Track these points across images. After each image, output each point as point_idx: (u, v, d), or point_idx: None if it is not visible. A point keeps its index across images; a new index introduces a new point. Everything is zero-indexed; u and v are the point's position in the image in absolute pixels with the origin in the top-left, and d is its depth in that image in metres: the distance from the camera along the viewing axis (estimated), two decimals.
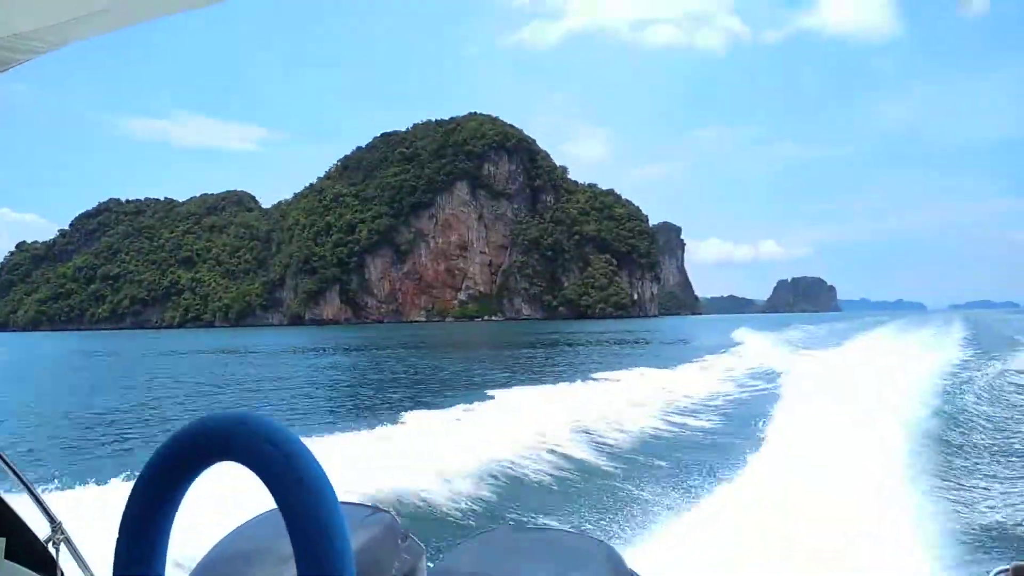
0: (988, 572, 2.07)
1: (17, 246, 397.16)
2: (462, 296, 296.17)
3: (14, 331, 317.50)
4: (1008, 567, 2.04)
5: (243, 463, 1.02)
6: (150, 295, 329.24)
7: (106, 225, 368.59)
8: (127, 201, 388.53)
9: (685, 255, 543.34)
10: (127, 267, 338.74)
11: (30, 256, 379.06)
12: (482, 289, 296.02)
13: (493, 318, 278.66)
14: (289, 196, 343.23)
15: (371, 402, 25.35)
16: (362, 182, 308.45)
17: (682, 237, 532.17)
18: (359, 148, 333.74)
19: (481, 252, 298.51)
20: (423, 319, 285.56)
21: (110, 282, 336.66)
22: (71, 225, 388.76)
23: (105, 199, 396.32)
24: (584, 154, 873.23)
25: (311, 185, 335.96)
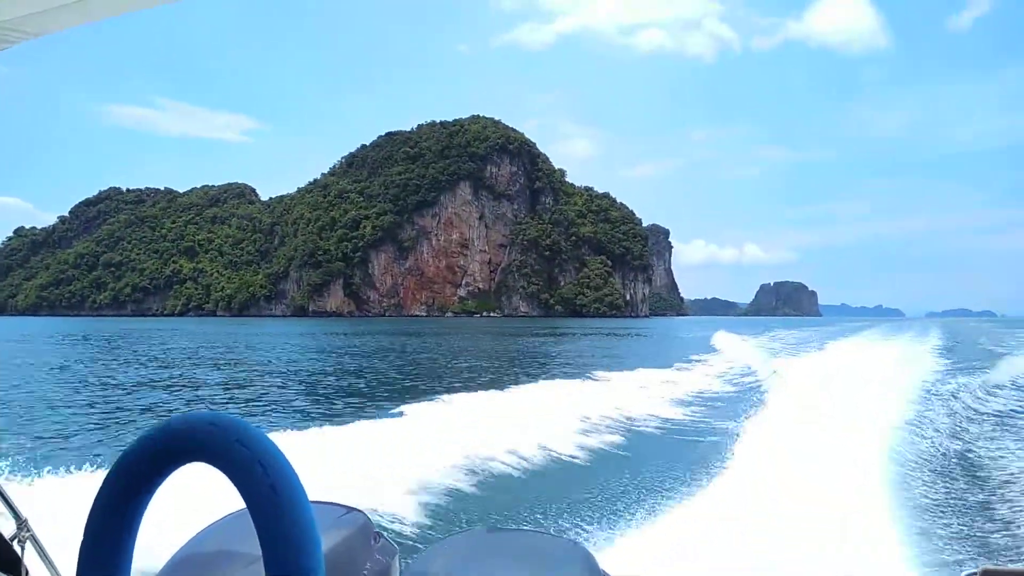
0: (959, 574, 2.26)
1: (15, 231, 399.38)
2: (462, 292, 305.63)
3: (12, 316, 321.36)
4: (976, 570, 2.08)
5: (213, 464, 1.02)
6: (152, 284, 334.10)
7: (106, 213, 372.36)
8: (128, 190, 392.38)
9: (671, 257, 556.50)
10: (129, 255, 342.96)
11: (29, 241, 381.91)
12: (481, 286, 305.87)
13: (492, 314, 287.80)
14: (281, 189, 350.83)
15: (350, 399, 24.75)
16: (366, 179, 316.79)
17: (669, 240, 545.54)
18: (363, 146, 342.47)
19: (481, 250, 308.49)
20: (423, 314, 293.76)
21: (112, 269, 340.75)
22: (71, 212, 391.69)
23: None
24: (572, 154, 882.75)
25: (315, 180, 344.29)
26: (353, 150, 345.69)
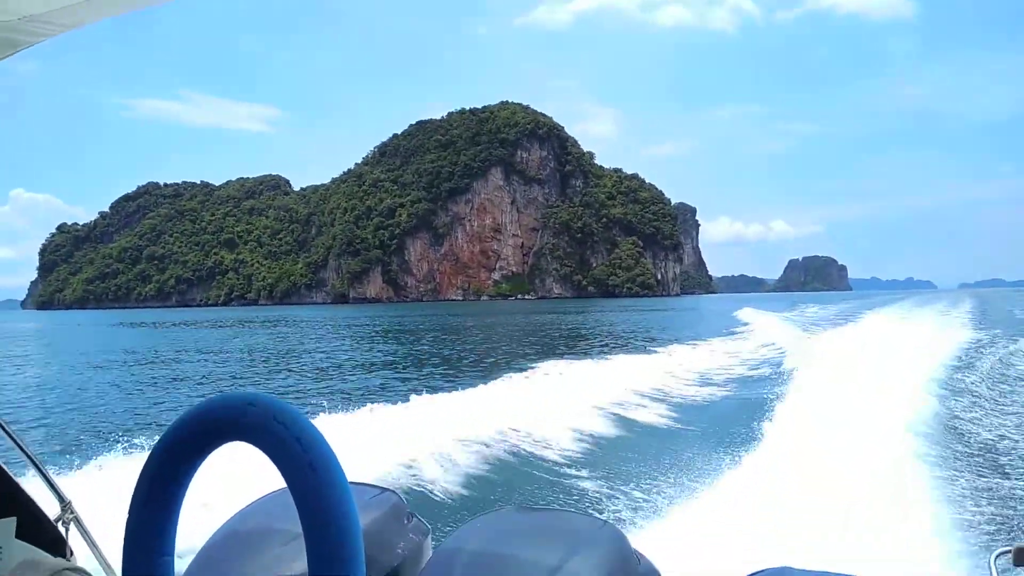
0: (991, 552, 2.10)
1: (58, 228, 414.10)
2: (496, 276, 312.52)
3: (59, 309, 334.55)
4: (1010, 548, 2.08)
5: (253, 443, 1.05)
6: (195, 275, 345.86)
7: (145, 208, 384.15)
8: (165, 184, 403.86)
9: (699, 235, 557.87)
10: (171, 248, 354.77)
11: (72, 237, 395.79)
12: (515, 269, 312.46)
13: (526, 297, 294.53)
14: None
15: (384, 380, 25.09)
16: (399, 168, 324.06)
17: (696, 218, 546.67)
18: (395, 135, 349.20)
19: (514, 235, 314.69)
20: (460, 298, 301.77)
21: (155, 262, 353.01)
22: (111, 208, 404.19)
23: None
24: (594, 134, 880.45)
25: (349, 171, 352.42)
26: (384, 139, 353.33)
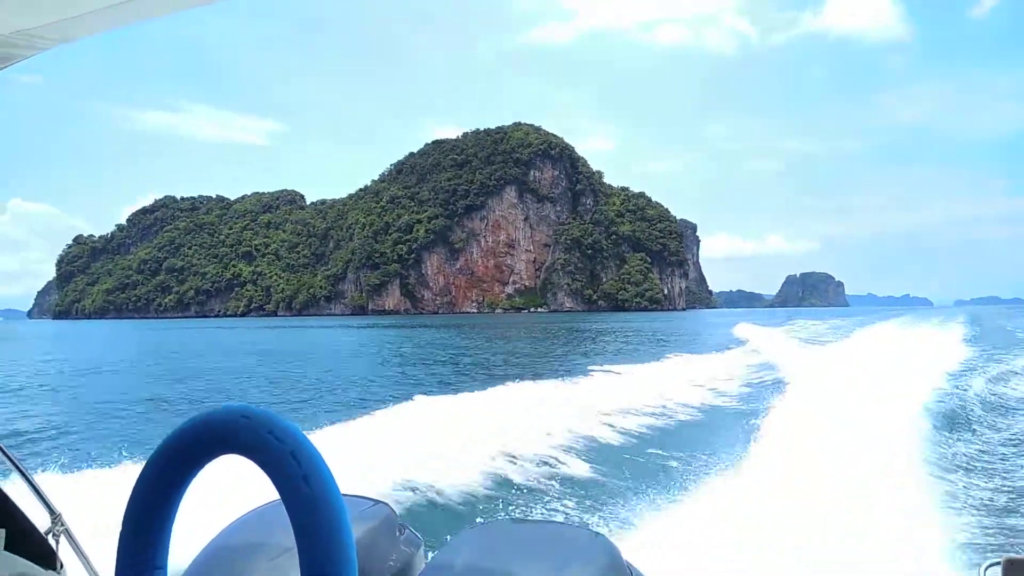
0: (981, 564, 2.10)
1: (75, 239, 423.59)
2: (509, 290, 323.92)
3: (78, 319, 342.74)
4: (1000, 560, 2.08)
5: (247, 456, 1.05)
6: (213, 287, 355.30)
7: (163, 221, 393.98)
8: (182, 198, 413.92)
9: (699, 251, 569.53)
10: (190, 260, 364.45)
11: (89, 248, 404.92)
12: (528, 284, 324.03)
13: (538, 310, 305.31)
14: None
15: (376, 393, 24.82)
16: (415, 185, 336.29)
17: (697, 234, 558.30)
18: (411, 154, 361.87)
19: (527, 250, 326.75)
20: (474, 310, 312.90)
21: (175, 274, 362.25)
22: (128, 220, 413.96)
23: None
24: (593, 150, 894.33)
25: (366, 187, 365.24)
26: (399, 157, 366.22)
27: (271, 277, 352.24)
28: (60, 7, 1.31)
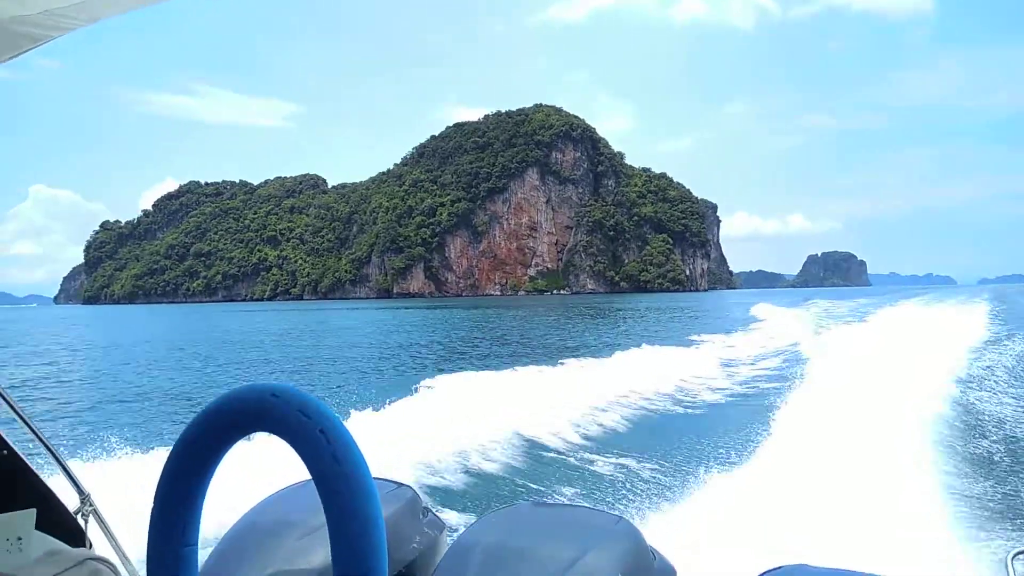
0: (1008, 552, 2.09)
1: (101, 225, 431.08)
2: (532, 272, 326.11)
3: (106, 303, 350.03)
4: None
5: (276, 434, 1.06)
6: (240, 271, 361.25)
7: (188, 206, 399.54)
8: (207, 183, 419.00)
9: (719, 231, 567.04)
10: (217, 245, 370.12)
11: (115, 234, 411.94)
12: (550, 266, 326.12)
13: (561, 292, 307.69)
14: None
15: (401, 375, 24.93)
16: (438, 168, 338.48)
17: (717, 214, 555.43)
18: (433, 137, 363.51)
19: (549, 232, 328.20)
20: (497, 293, 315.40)
21: (202, 259, 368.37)
22: (153, 206, 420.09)
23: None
24: (610, 129, 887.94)
25: (388, 171, 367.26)
26: (422, 140, 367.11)
27: (296, 261, 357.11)
28: None
